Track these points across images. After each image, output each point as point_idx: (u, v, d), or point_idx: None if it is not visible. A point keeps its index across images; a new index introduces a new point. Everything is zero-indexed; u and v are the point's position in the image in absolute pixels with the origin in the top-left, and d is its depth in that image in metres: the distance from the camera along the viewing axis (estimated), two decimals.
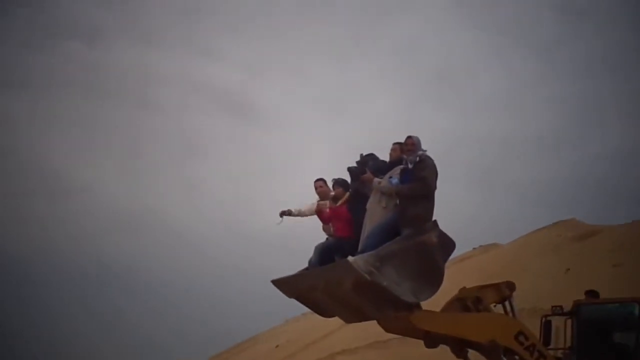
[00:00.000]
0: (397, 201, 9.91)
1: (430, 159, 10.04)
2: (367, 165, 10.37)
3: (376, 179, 10.16)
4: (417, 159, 9.98)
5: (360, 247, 9.92)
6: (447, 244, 9.98)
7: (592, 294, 12.70)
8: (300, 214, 10.99)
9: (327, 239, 11.00)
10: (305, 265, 10.96)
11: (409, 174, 10.00)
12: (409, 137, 10.14)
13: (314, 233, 11.08)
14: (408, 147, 10.09)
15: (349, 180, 10.81)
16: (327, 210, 10.79)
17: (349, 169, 10.46)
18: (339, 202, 10.76)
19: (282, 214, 10.83)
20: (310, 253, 10.88)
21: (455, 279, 13.97)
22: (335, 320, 11.46)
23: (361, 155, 10.47)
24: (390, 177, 10.09)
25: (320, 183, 11.11)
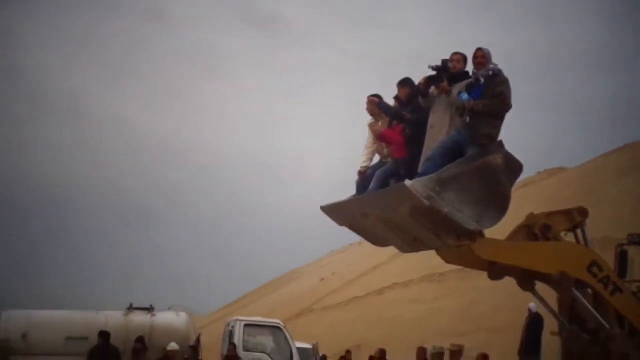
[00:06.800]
0: (468, 119, 9.84)
1: (503, 74, 10.05)
2: (445, 73, 10.13)
3: (454, 91, 10.04)
4: (490, 72, 10.05)
5: (420, 170, 9.84)
6: (514, 166, 9.84)
7: None
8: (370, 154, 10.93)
9: (380, 163, 10.91)
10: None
11: (478, 89, 9.98)
12: (479, 49, 10.17)
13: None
14: (478, 60, 10.14)
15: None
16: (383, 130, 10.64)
17: (433, 70, 10.09)
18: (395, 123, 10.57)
19: (363, 173, 10.74)
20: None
21: (521, 205, 13.78)
22: (385, 252, 11.49)
23: (443, 60, 10.20)
24: (460, 92, 9.95)
25: (375, 100, 10.79)
